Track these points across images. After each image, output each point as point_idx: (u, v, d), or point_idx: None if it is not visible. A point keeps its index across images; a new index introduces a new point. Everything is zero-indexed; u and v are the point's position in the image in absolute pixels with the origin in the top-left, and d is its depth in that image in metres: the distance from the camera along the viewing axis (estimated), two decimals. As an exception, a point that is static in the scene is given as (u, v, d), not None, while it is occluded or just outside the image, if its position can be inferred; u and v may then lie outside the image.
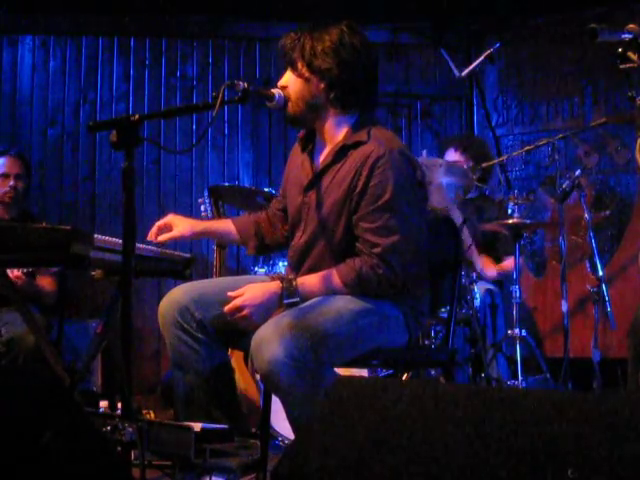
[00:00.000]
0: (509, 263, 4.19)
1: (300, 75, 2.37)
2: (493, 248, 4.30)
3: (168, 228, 2.55)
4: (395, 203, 2.30)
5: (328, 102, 2.39)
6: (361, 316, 2.29)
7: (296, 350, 2.10)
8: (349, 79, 2.35)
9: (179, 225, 2.55)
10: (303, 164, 2.52)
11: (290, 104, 2.38)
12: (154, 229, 2.55)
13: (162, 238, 2.51)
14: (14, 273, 3.60)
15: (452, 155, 4.30)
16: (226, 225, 2.70)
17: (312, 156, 2.51)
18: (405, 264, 2.32)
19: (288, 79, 2.40)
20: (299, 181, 2.50)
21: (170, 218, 2.57)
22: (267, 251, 2.79)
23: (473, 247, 4.04)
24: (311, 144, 2.53)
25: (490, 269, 4.14)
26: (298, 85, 2.38)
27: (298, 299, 2.28)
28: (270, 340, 2.11)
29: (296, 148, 2.61)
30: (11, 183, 3.99)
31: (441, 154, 4.43)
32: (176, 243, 2.67)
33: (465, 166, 4.20)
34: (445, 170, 3.80)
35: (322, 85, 2.36)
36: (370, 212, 2.31)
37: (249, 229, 2.67)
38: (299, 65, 2.36)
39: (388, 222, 2.30)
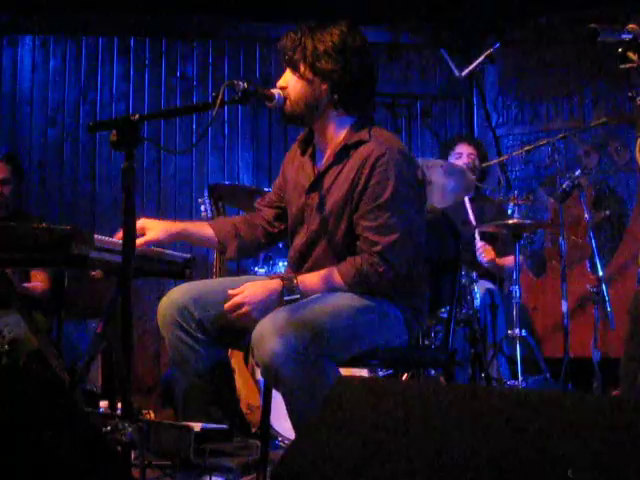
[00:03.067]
0: (507, 259, 4.20)
1: (302, 77, 2.36)
2: (492, 248, 4.31)
3: (141, 233, 2.46)
4: (395, 202, 2.31)
5: (330, 103, 2.38)
6: (361, 313, 2.30)
7: (296, 343, 2.10)
8: (352, 80, 2.35)
9: (153, 229, 2.48)
10: (304, 166, 2.52)
11: (289, 103, 2.37)
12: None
13: (138, 243, 2.37)
14: None
15: (466, 147, 4.35)
16: (203, 228, 2.63)
17: (313, 158, 2.51)
18: (405, 262, 2.32)
19: (288, 79, 2.39)
20: (300, 183, 2.50)
21: (142, 222, 2.48)
22: (247, 254, 2.72)
23: (477, 236, 4.06)
24: (311, 147, 2.53)
25: (484, 255, 4.13)
26: (300, 86, 2.37)
27: (298, 296, 2.28)
28: (270, 333, 2.11)
29: (294, 151, 2.60)
30: None
31: (448, 148, 4.43)
32: (176, 243, 2.64)
33: (477, 160, 4.26)
34: (445, 170, 3.81)
35: (325, 87, 2.36)
36: (370, 211, 2.32)
37: (228, 231, 2.60)
38: (301, 67, 2.35)
39: (388, 221, 2.30)
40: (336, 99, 2.37)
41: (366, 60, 2.38)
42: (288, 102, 2.37)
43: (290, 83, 2.38)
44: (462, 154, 4.32)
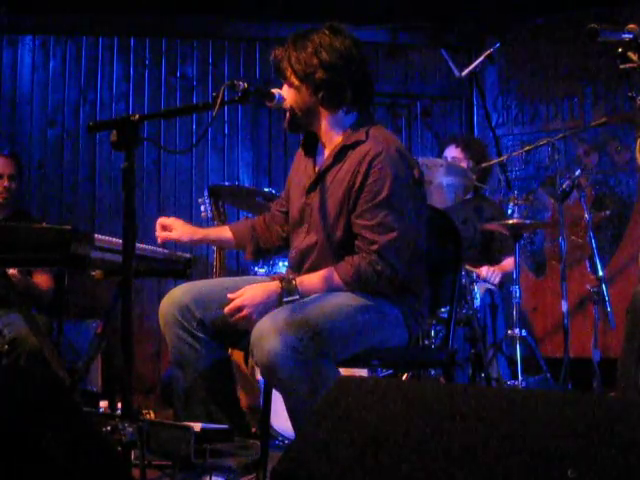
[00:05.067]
0: (507, 264, 4.20)
1: (291, 85, 2.42)
2: (489, 248, 4.31)
3: (169, 229, 2.63)
4: (392, 200, 2.32)
5: (319, 105, 2.42)
6: (360, 312, 2.30)
7: (295, 342, 2.11)
8: (333, 80, 2.38)
9: (179, 229, 2.63)
10: (306, 167, 2.56)
11: (289, 113, 2.44)
12: (158, 225, 2.65)
13: (161, 236, 2.61)
14: (9, 271, 3.59)
15: (452, 151, 4.32)
16: (223, 232, 2.76)
17: (314, 158, 2.54)
18: (403, 261, 2.33)
19: (285, 91, 2.44)
20: (301, 183, 2.53)
21: (172, 220, 2.65)
22: (263, 255, 2.82)
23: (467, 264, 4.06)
24: (314, 147, 2.55)
25: (494, 275, 4.14)
26: (292, 95, 2.43)
27: (298, 297, 2.30)
28: (269, 333, 2.12)
29: (300, 152, 2.64)
30: (5, 184, 3.99)
31: (441, 151, 4.44)
32: (176, 243, 2.69)
33: (463, 163, 4.23)
34: (445, 170, 3.81)
35: (310, 89, 2.40)
36: (367, 209, 2.33)
37: (245, 235, 2.71)
38: (288, 75, 2.41)
39: (385, 219, 2.31)
40: (322, 99, 2.40)
41: (347, 58, 2.39)
42: (289, 112, 2.43)
43: (286, 94, 2.43)
44: (446, 158, 4.30)
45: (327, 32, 2.40)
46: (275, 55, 2.45)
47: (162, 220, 2.66)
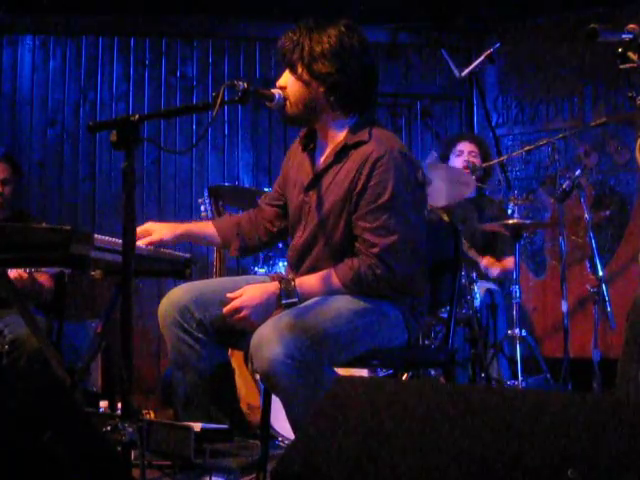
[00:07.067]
0: (509, 262, 4.22)
1: (299, 78, 2.35)
2: (492, 248, 4.32)
3: (147, 235, 2.52)
4: (394, 203, 2.30)
5: (328, 105, 2.37)
6: (360, 316, 2.29)
7: (296, 350, 2.09)
8: (349, 82, 2.34)
9: (158, 230, 2.53)
10: (303, 163, 2.51)
11: (289, 104, 2.37)
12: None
13: (142, 243, 2.47)
14: (16, 272, 3.59)
15: (468, 145, 4.36)
16: (207, 228, 2.68)
17: (313, 155, 2.50)
18: (403, 264, 2.31)
19: (287, 80, 2.38)
20: (299, 180, 2.50)
21: (148, 225, 2.55)
22: (250, 252, 2.75)
23: (472, 250, 4.08)
24: (312, 143, 2.52)
25: (493, 268, 4.16)
26: (297, 87, 2.36)
27: (297, 299, 2.29)
28: (269, 340, 2.11)
29: (296, 146, 2.59)
30: None
31: (450, 147, 4.44)
32: (167, 245, 2.62)
33: (479, 158, 4.28)
34: (445, 171, 3.82)
35: (322, 89, 2.35)
36: (369, 212, 2.31)
37: (230, 231, 2.64)
38: (298, 68, 2.34)
39: (387, 222, 2.29)
40: (333, 101, 2.36)
41: (365, 61, 2.36)
42: (288, 103, 2.37)
43: (289, 84, 2.38)
44: (463, 152, 4.34)
45: (344, 30, 2.33)
46: (284, 44, 2.36)
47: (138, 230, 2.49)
